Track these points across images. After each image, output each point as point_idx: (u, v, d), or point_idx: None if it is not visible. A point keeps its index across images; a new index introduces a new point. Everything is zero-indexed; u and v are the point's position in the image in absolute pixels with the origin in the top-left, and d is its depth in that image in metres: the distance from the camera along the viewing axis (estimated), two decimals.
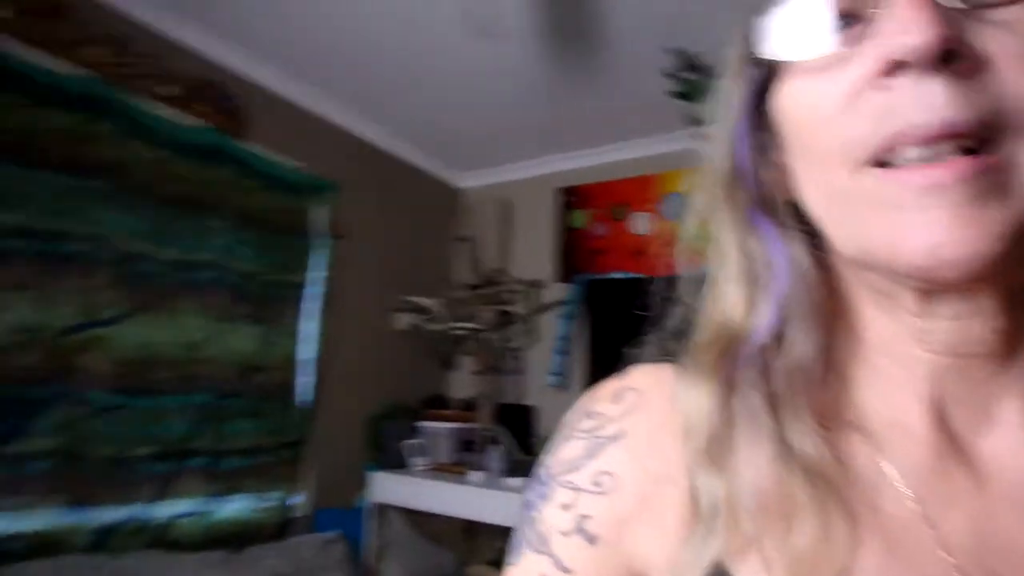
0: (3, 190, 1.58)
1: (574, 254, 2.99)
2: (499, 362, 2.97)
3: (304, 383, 2.39)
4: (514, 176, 3.24)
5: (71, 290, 1.70)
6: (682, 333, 0.40)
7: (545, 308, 2.96)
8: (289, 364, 2.35)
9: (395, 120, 2.77)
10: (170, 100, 2.00)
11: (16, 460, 1.57)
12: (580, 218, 3.00)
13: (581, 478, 0.39)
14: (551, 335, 2.92)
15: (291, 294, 2.38)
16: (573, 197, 3.04)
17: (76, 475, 1.68)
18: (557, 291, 2.97)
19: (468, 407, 2.85)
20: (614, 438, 0.39)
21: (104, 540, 1.71)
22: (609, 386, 0.42)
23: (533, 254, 3.10)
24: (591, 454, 0.39)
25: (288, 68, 2.35)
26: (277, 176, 2.33)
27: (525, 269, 3.08)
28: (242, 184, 2.20)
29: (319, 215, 2.50)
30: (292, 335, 2.37)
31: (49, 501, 1.62)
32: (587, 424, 0.41)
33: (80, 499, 1.68)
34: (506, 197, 3.23)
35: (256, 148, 2.26)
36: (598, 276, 2.88)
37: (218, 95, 2.16)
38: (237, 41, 2.17)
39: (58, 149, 1.70)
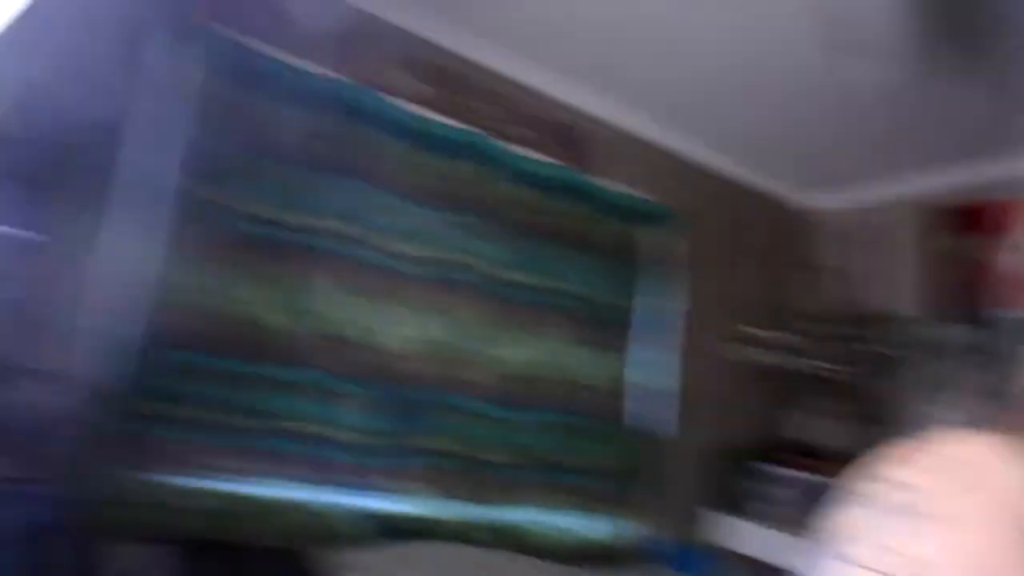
0: (416, 227, 2.00)
1: (955, 286, 2.47)
2: (858, 408, 2.61)
3: (638, 410, 2.44)
4: (872, 196, 2.84)
5: (455, 311, 2.04)
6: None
7: (918, 348, 2.51)
8: (627, 390, 2.44)
9: (733, 141, 2.70)
10: (525, 141, 2.27)
11: (404, 452, 1.91)
12: (960, 244, 2.48)
13: (889, 562, 0.33)
14: (927, 380, 2.46)
15: (629, 320, 2.47)
16: (951, 219, 2.53)
17: (447, 471, 1.97)
18: (934, 329, 2.49)
19: (814, 454, 2.57)
20: (937, 518, 0.32)
21: (460, 531, 1.96)
22: (923, 452, 0.35)
23: (898, 285, 2.66)
24: (906, 534, 0.33)
25: (625, 99, 2.46)
26: (619, 205, 2.45)
27: (889, 302, 2.66)
28: (589, 215, 2.38)
29: (658, 242, 2.56)
30: (630, 361, 2.46)
31: (424, 490, 1.92)
32: (898, 496, 0.34)
33: (448, 492, 1.97)
34: (863, 220, 2.85)
35: (599, 179, 2.42)
36: (988, 313, 2.32)
37: (565, 133, 2.39)
38: (578, 79, 2.36)
39: (444, 190, 2.06)
